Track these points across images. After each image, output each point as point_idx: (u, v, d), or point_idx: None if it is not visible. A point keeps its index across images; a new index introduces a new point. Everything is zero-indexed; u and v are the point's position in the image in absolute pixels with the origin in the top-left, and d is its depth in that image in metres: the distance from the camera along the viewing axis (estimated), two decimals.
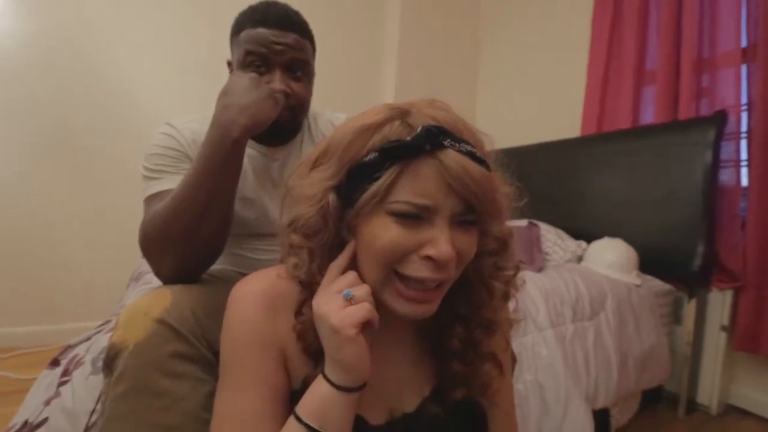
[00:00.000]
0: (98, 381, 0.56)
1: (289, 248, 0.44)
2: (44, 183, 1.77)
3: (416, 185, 0.37)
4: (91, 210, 1.85)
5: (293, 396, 0.43)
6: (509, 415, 0.53)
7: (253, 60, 0.69)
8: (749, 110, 1.55)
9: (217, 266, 0.79)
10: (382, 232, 0.38)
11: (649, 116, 1.89)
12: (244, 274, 0.78)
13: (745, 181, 1.54)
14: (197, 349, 0.54)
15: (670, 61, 1.76)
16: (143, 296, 0.56)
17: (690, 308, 1.53)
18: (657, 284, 1.58)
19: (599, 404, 1.18)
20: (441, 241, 0.37)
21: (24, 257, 1.76)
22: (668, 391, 1.58)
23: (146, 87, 1.91)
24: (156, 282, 0.99)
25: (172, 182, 0.66)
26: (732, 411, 1.55)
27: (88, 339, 0.68)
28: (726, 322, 1.52)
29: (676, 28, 1.75)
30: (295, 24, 0.72)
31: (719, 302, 1.54)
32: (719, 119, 1.53)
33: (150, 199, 0.67)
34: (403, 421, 0.45)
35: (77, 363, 0.62)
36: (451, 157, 0.37)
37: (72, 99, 1.79)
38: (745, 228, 1.51)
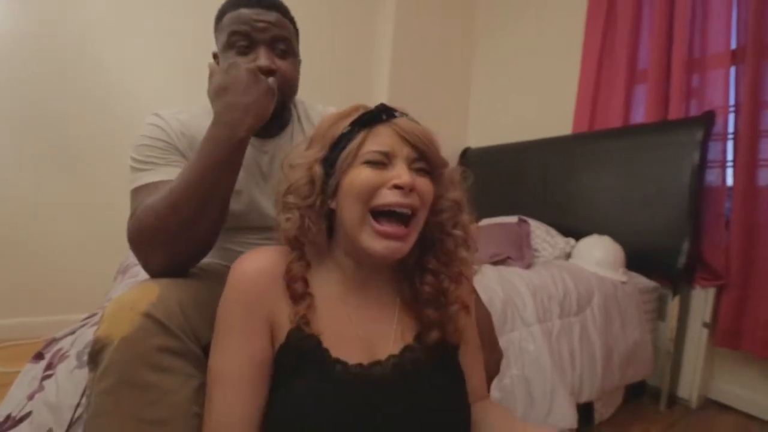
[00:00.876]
0: (83, 375, 0.55)
1: (284, 208, 0.53)
2: (30, 175, 1.73)
3: (378, 140, 0.50)
4: (78, 201, 1.82)
5: (279, 351, 0.50)
6: (476, 345, 0.62)
7: (236, 40, 0.69)
8: (736, 112, 1.57)
9: (206, 260, 0.77)
10: (358, 176, 0.49)
11: (639, 115, 1.91)
12: (230, 267, 0.79)
13: (730, 182, 1.57)
14: (185, 344, 0.53)
15: (661, 61, 1.78)
16: (129, 290, 0.56)
17: (674, 305, 1.57)
18: (642, 281, 1.61)
19: (584, 398, 1.21)
20: (402, 173, 0.48)
21: (9, 248, 1.72)
22: (651, 385, 1.62)
23: (136, 80, 1.87)
24: (144, 275, 0.97)
25: (160, 174, 0.65)
26: (711, 405, 1.59)
27: (72, 332, 0.67)
28: (708, 319, 1.56)
29: (668, 29, 1.77)
30: (276, 4, 0.73)
31: (702, 300, 1.57)
32: (707, 120, 1.55)
33: (137, 191, 0.66)
34: (387, 361, 0.51)
35: (62, 357, 0.61)
36: (402, 121, 0.52)
37: (61, 91, 1.75)
38: (729, 228, 1.54)
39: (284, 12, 0.74)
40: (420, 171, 0.51)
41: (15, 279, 1.74)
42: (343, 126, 0.52)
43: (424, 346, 0.53)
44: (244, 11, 0.69)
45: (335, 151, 0.51)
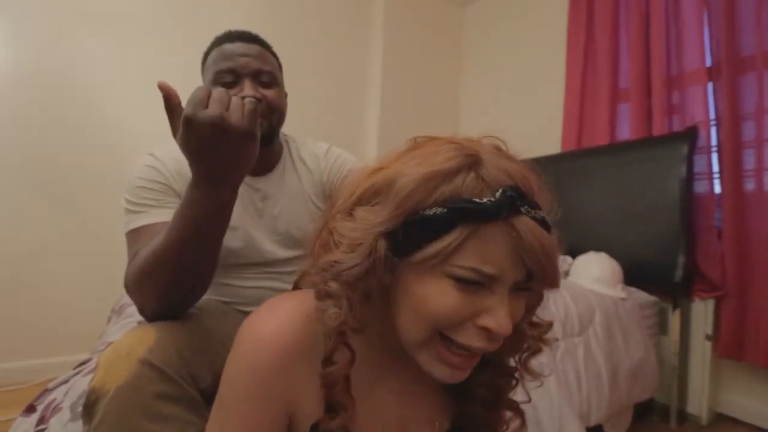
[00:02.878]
0: (77, 428, 0.53)
1: (325, 296, 0.39)
2: (20, 210, 1.71)
3: (485, 251, 0.34)
4: (70, 238, 1.80)
5: None
6: None
7: (221, 76, 0.70)
8: (718, 125, 1.62)
9: (204, 297, 0.78)
10: (439, 295, 0.35)
11: (625, 131, 1.96)
12: (229, 303, 0.78)
13: (718, 192, 1.60)
14: (183, 390, 0.52)
15: (641, 79, 1.84)
16: (125, 335, 0.54)
17: (675, 318, 1.56)
18: (642, 296, 1.61)
19: (593, 421, 1.18)
20: (501, 313, 0.35)
21: None
22: (659, 403, 1.59)
23: (128, 112, 1.89)
24: (138, 316, 0.96)
25: (155, 216, 0.65)
26: (722, 419, 1.56)
27: (66, 381, 0.65)
28: (710, 330, 1.55)
29: (645, 48, 1.85)
30: (257, 38, 0.76)
31: (702, 311, 1.57)
32: (691, 134, 1.60)
33: (133, 234, 0.65)
34: None
35: (55, 409, 0.59)
36: (526, 225, 0.34)
37: (57, 131, 1.76)
38: (722, 237, 1.56)
39: (265, 45, 0.77)
40: (520, 290, 0.37)
41: (3, 321, 1.69)
42: (435, 199, 0.35)
43: None
44: (227, 47, 0.72)
45: (413, 230, 0.35)
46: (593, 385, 1.20)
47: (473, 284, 0.35)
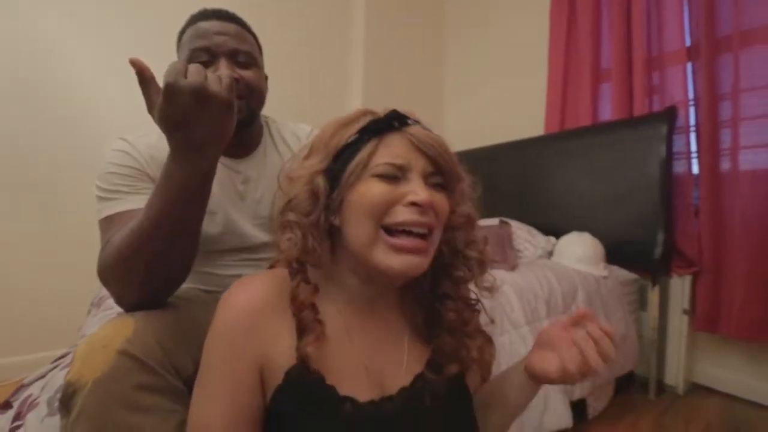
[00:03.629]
0: (55, 423, 0.52)
1: (283, 226, 0.48)
2: None
3: (391, 151, 0.45)
4: (46, 231, 1.73)
5: (276, 394, 0.44)
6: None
7: (197, 55, 0.68)
8: (696, 105, 1.65)
9: (184, 286, 0.75)
10: (369, 191, 0.44)
11: (606, 112, 1.98)
12: (211, 292, 0.77)
13: (696, 171, 1.64)
14: (164, 380, 0.51)
15: (622, 60, 1.86)
16: (103, 327, 0.53)
17: (654, 295, 1.61)
18: (623, 274, 1.65)
19: (576, 395, 1.22)
20: (419, 189, 0.44)
21: None
22: (639, 375, 1.65)
23: (107, 104, 1.81)
24: (119, 308, 0.93)
25: (128, 203, 0.63)
26: (697, 389, 1.64)
27: (43, 376, 0.63)
28: (687, 305, 1.61)
29: (626, 29, 1.85)
30: (234, 17, 0.73)
31: (680, 287, 1.63)
32: (670, 115, 1.62)
33: (106, 222, 0.63)
34: (399, 395, 0.47)
35: (31, 404, 0.57)
36: (416, 129, 0.47)
37: (27, 120, 1.67)
38: (699, 216, 1.61)
39: (243, 24, 0.74)
40: (436, 186, 0.47)
41: None
42: (350, 134, 0.47)
43: (435, 375, 0.49)
44: (202, 25, 0.69)
45: (340, 162, 0.46)
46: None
47: (391, 177, 0.45)
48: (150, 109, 0.52)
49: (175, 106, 0.48)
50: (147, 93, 0.52)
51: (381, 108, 0.50)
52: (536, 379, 0.49)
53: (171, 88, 0.47)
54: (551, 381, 0.47)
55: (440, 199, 0.47)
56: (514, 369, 0.53)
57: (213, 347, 0.45)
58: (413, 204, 0.44)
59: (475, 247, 0.50)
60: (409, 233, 0.44)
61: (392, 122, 0.46)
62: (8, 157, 1.66)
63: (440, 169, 0.47)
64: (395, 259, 0.44)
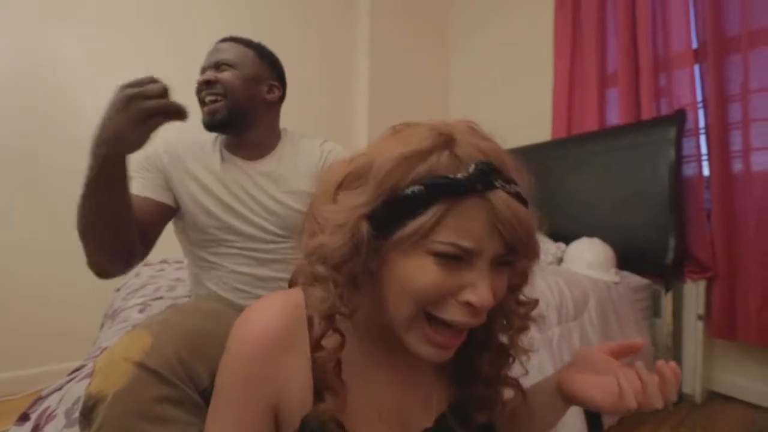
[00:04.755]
0: None
1: (312, 279, 0.40)
2: (4, 215, 1.68)
3: (462, 226, 0.35)
4: (57, 241, 1.75)
5: None
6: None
7: (202, 72, 0.82)
8: (705, 107, 1.64)
9: (201, 289, 0.83)
10: (421, 272, 0.36)
11: (614, 117, 1.97)
12: (223, 298, 0.78)
13: (707, 174, 1.62)
14: (182, 392, 0.52)
15: (628, 63, 1.85)
16: (121, 339, 0.54)
17: (667, 300, 1.58)
18: (635, 280, 1.63)
19: None
20: (482, 287, 0.36)
21: None
22: None
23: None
24: (133, 319, 0.95)
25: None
26: (715, 398, 1.60)
27: (60, 388, 0.64)
28: (701, 311, 1.58)
29: (632, 32, 1.85)
30: (233, 37, 0.86)
31: (694, 293, 1.60)
32: (679, 117, 1.61)
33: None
34: None
35: (49, 417, 0.58)
36: (501, 199, 0.35)
37: (32, 123, 1.71)
38: (711, 219, 1.58)
39: (244, 42, 0.85)
40: (501, 264, 0.38)
41: None
42: (412, 178, 0.36)
43: (461, 422, 0.45)
44: (210, 50, 0.85)
45: (393, 211, 0.36)
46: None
47: (454, 259, 0.36)
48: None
49: (111, 98, 0.62)
50: None
51: (461, 126, 0.40)
52: (573, 402, 0.46)
53: (122, 84, 0.61)
54: (600, 409, 0.43)
55: (500, 284, 0.39)
56: (543, 387, 0.50)
57: (226, 382, 0.42)
58: (469, 303, 0.36)
59: (522, 308, 0.45)
60: (449, 325, 0.38)
61: (476, 185, 0.35)
62: (17, 166, 1.69)
63: (514, 250, 0.37)
64: (427, 350, 0.39)
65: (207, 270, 0.82)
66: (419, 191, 0.35)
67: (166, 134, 0.75)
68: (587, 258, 1.58)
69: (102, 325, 1.19)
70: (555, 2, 2.20)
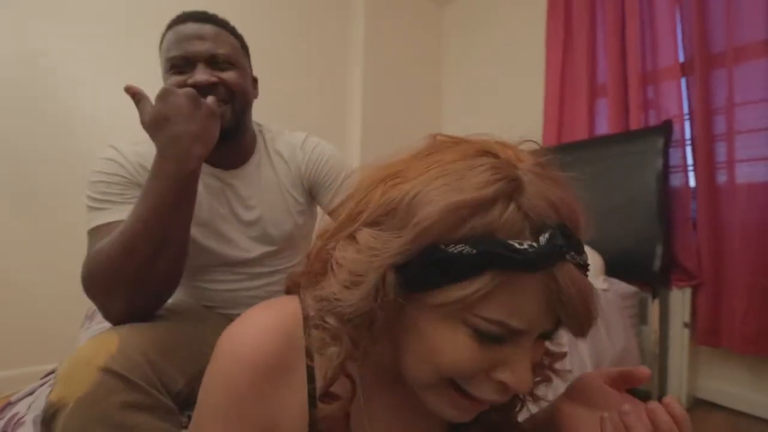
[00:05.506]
0: None
1: (322, 330, 0.34)
2: None
3: (515, 303, 0.29)
4: (38, 240, 1.71)
5: None
6: None
7: (175, 61, 0.66)
8: (691, 119, 1.67)
9: (173, 298, 0.74)
10: (455, 347, 0.30)
11: (603, 127, 2.00)
12: (208, 307, 0.75)
13: (693, 184, 1.64)
14: (152, 396, 0.49)
15: (618, 75, 1.88)
16: (87, 343, 0.51)
17: (654, 308, 1.60)
18: (622, 287, 1.64)
19: None
20: (522, 369, 0.30)
21: None
22: (641, 391, 1.62)
23: (99, 111, 1.82)
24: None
25: (119, 213, 0.62)
26: (701, 404, 1.61)
27: (31, 393, 0.61)
28: (687, 318, 1.59)
29: (621, 45, 1.89)
30: (212, 17, 0.71)
31: (680, 300, 1.61)
32: (666, 128, 1.64)
33: (95, 232, 0.62)
34: None
35: (17, 423, 0.55)
36: (568, 274, 0.29)
37: (21, 123, 1.67)
38: (697, 228, 1.61)
39: (223, 24, 0.72)
40: (542, 337, 0.33)
41: None
42: (463, 234, 0.28)
43: None
44: (180, 28, 0.68)
45: (431, 270, 0.29)
46: (577, 376, 1.21)
47: (495, 340, 0.30)
48: (143, 121, 0.57)
49: (168, 105, 0.55)
50: (141, 107, 0.58)
51: (528, 161, 0.33)
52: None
53: (166, 90, 0.56)
54: None
55: (539, 354, 0.35)
56: (544, 415, 0.46)
57: (212, 401, 0.37)
58: (503, 383, 0.31)
59: (550, 358, 0.41)
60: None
61: (545, 262, 0.28)
62: (10, 169, 1.65)
63: (564, 325, 0.32)
64: (448, 412, 0.34)
65: (190, 288, 0.75)
66: (470, 254, 0.28)
67: (130, 146, 0.69)
68: None
69: (82, 325, 1.15)
70: (547, 14, 2.24)
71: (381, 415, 0.41)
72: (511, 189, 0.29)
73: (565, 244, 0.29)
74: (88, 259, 0.56)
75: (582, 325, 0.31)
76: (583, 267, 0.31)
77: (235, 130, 0.70)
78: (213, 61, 0.67)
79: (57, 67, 1.74)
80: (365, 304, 0.30)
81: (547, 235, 0.28)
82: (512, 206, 0.29)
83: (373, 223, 0.32)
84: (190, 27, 0.67)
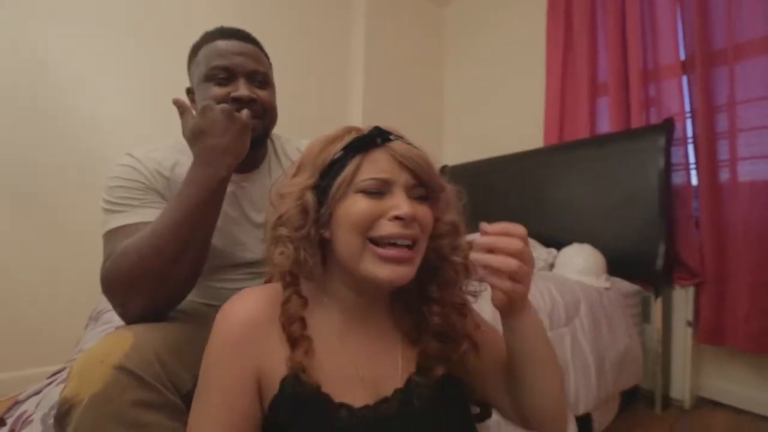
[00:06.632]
0: None
1: (275, 240, 0.49)
2: None
3: (375, 166, 0.47)
4: (42, 243, 1.72)
5: (273, 402, 0.46)
6: (495, 339, 0.56)
7: (215, 72, 0.70)
8: (693, 117, 1.67)
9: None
10: (355, 206, 0.46)
11: (604, 125, 2.00)
12: (211, 306, 0.76)
13: (695, 183, 1.64)
14: (163, 396, 0.50)
15: (619, 74, 1.88)
16: (100, 341, 0.52)
17: (657, 306, 1.59)
18: (625, 286, 1.64)
19: (581, 410, 1.19)
20: (402, 203, 0.46)
21: None
22: (644, 389, 1.62)
23: (101, 113, 1.83)
24: (118, 321, 0.92)
25: (135, 216, 0.64)
26: (704, 403, 1.61)
27: (38, 392, 0.62)
28: (690, 317, 1.59)
29: (622, 43, 1.89)
30: (251, 37, 0.76)
31: (683, 299, 1.61)
32: (667, 127, 1.64)
33: (112, 234, 0.63)
34: (394, 397, 0.49)
35: (25, 421, 0.56)
36: (398, 144, 0.48)
37: (23, 125, 1.68)
38: (699, 226, 1.60)
39: (258, 45, 0.77)
40: (419, 198, 0.49)
41: None
42: (335, 150, 0.48)
43: (424, 378, 0.50)
44: (221, 43, 0.71)
45: (327, 178, 0.48)
46: (580, 374, 1.22)
47: (375, 192, 0.47)
48: (184, 132, 0.64)
49: (206, 119, 0.62)
50: (184, 120, 0.64)
51: (366, 125, 0.52)
52: (504, 317, 0.49)
53: (205, 107, 0.63)
54: (498, 304, 0.46)
55: (423, 211, 0.48)
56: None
57: (211, 359, 0.47)
58: (397, 218, 0.45)
59: (460, 253, 0.51)
60: (395, 245, 0.46)
61: (375, 139, 0.48)
62: (5, 168, 1.66)
63: (422, 181, 0.48)
64: (383, 269, 0.46)
65: (200, 287, 0.76)
66: (340, 155, 0.48)
67: (147, 153, 0.71)
68: (578, 264, 1.59)
69: (86, 326, 1.16)
70: (547, 13, 2.24)
71: (354, 351, 0.50)
72: (355, 128, 0.51)
73: (387, 132, 0.49)
74: (114, 257, 0.58)
75: (428, 176, 0.48)
76: (412, 145, 0.50)
77: (259, 142, 0.75)
78: (252, 78, 0.72)
79: (68, 79, 1.75)
80: (299, 212, 0.48)
81: (372, 127, 0.50)
82: (354, 132, 0.50)
83: (296, 174, 0.52)
84: (234, 43, 0.72)
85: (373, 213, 0.46)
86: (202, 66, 0.71)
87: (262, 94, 0.73)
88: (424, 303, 0.52)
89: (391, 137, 0.48)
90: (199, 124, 0.62)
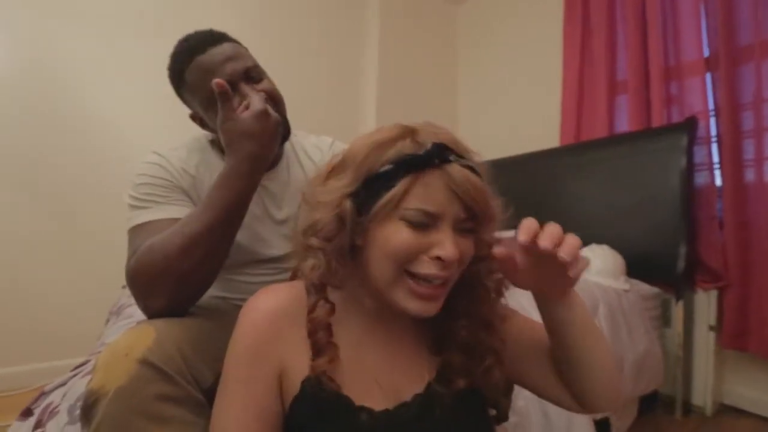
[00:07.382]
0: (75, 431, 0.52)
1: (306, 250, 0.47)
2: (11, 212, 1.69)
3: (426, 194, 0.42)
4: (63, 240, 1.77)
5: (293, 402, 0.46)
6: (532, 329, 0.54)
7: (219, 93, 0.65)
8: (717, 116, 1.62)
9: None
10: (396, 235, 0.43)
11: (623, 124, 1.96)
12: (230, 300, 0.77)
13: (719, 183, 1.60)
14: (185, 390, 0.51)
15: (639, 71, 1.84)
16: (124, 335, 0.53)
17: (678, 310, 1.55)
18: (644, 288, 1.60)
19: (599, 415, 1.17)
20: (447, 244, 0.42)
21: None
22: (664, 394, 1.58)
23: (118, 111, 1.87)
24: (139, 316, 0.94)
25: (161, 212, 0.65)
26: (726, 410, 1.56)
27: (63, 384, 0.63)
28: (713, 321, 1.55)
29: (642, 40, 1.84)
30: (223, 36, 0.71)
31: (705, 302, 1.57)
32: (690, 125, 1.59)
33: (137, 229, 0.64)
34: (414, 401, 0.48)
35: (52, 412, 0.57)
36: (455, 170, 0.43)
37: (43, 125, 1.73)
38: (723, 228, 1.56)
39: (232, 39, 0.72)
40: (465, 231, 0.45)
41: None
42: (384, 160, 0.43)
43: (444, 388, 0.49)
44: (203, 59, 0.67)
45: (371, 189, 0.43)
46: None
47: (422, 224, 0.43)
48: (222, 122, 0.61)
49: (261, 125, 0.61)
50: (225, 108, 0.61)
51: (421, 123, 0.47)
52: (538, 296, 0.47)
53: (265, 111, 0.61)
54: (522, 283, 0.45)
55: (467, 247, 0.45)
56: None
57: (235, 352, 0.47)
58: (438, 258, 0.43)
59: (493, 278, 0.50)
60: (429, 281, 0.44)
61: (433, 159, 0.43)
62: (26, 167, 1.71)
63: (473, 214, 0.44)
64: (413, 303, 0.44)
65: (220, 281, 0.76)
66: (389, 169, 0.43)
67: (172, 151, 0.72)
68: (596, 265, 1.55)
69: (107, 321, 1.19)
70: (564, 8, 2.20)
71: (374, 355, 0.50)
72: (410, 132, 0.45)
73: (446, 150, 0.43)
74: (140, 254, 0.58)
75: (482, 209, 0.44)
76: (471, 169, 0.44)
77: (285, 137, 0.72)
78: (248, 77, 0.68)
79: (76, 69, 1.79)
80: (333, 221, 0.45)
81: (431, 144, 0.43)
82: (409, 139, 0.44)
83: (333, 175, 0.48)
84: (213, 52, 0.67)
85: (415, 248, 0.43)
86: (199, 90, 0.67)
87: (263, 86, 0.69)
88: (451, 315, 0.50)
89: (451, 158, 0.43)
90: (253, 127, 0.60)
